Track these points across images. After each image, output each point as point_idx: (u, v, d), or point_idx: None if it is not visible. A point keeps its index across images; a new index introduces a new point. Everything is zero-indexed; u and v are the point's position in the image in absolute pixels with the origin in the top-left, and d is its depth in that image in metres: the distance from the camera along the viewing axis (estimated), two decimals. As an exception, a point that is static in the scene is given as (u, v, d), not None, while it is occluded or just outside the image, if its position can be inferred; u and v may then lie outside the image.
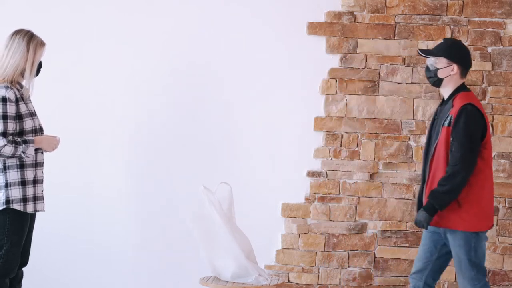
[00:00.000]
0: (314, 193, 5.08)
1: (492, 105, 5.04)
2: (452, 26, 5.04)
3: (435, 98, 5.04)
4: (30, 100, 4.08)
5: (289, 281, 5.08)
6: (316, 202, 5.08)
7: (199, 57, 5.09)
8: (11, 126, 3.87)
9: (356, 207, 5.08)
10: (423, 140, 5.04)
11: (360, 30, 5.05)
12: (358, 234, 5.08)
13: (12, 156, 3.87)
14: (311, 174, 5.07)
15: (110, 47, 5.08)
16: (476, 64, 5.03)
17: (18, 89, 3.97)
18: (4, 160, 3.92)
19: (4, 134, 3.84)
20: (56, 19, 5.09)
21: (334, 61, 5.07)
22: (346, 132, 5.07)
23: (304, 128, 5.07)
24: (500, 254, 5.05)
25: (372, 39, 5.06)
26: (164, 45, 5.09)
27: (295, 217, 5.08)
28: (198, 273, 4.59)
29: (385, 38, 5.06)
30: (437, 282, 5.04)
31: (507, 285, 5.06)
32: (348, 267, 5.09)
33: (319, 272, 5.09)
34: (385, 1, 5.05)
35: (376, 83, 5.07)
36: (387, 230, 5.07)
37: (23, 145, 3.88)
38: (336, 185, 5.07)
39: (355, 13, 5.06)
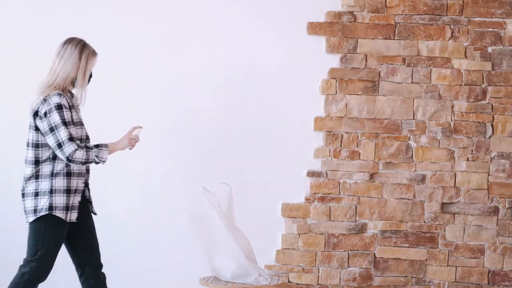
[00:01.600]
0: (314, 193, 5.08)
1: (492, 105, 5.04)
2: (452, 26, 5.04)
3: (435, 98, 5.04)
4: (79, 109, 4.06)
5: (289, 281, 5.08)
6: (316, 202, 5.08)
7: (199, 57, 5.09)
8: (74, 131, 3.87)
9: (356, 207, 5.08)
10: (423, 140, 5.05)
11: (360, 30, 5.05)
12: (358, 234, 5.08)
13: (86, 162, 3.87)
14: (311, 174, 5.07)
15: (106, 47, 5.08)
16: (476, 64, 5.03)
17: (69, 97, 3.96)
18: (52, 166, 3.90)
19: (71, 139, 3.84)
20: (56, 18, 5.09)
21: (334, 61, 5.07)
22: (346, 132, 5.07)
23: (304, 128, 5.07)
24: (500, 254, 5.05)
25: (372, 39, 5.06)
26: (163, 45, 5.08)
27: (295, 217, 5.08)
28: (198, 273, 4.59)
29: (385, 38, 5.06)
30: (437, 282, 5.06)
31: (507, 285, 5.06)
32: (348, 267, 5.08)
33: (319, 272, 5.09)
34: (385, 1, 5.05)
35: (376, 83, 5.07)
36: (387, 230, 5.07)
37: (95, 149, 3.89)
38: (336, 185, 5.07)
39: (355, 13, 5.06)
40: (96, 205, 5.08)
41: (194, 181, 4.78)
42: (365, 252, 5.08)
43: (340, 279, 5.08)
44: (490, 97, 5.05)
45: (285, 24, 5.07)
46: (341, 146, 5.07)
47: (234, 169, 5.08)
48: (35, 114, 3.89)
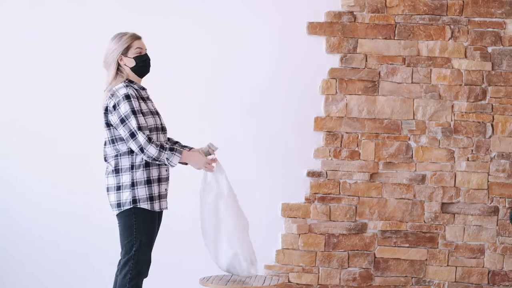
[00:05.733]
0: (314, 193, 5.08)
1: (492, 105, 5.05)
2: (452, 26, 5.04)
3: (435, 98, 5.05)
4: (150, 100, 4.04)
5: (289, 281, 5.08)
6: (316, 202, 5.08)
7: (199, 57, 5.09)
8: (142, 121, 3.85)
9: (356, 207, 5.08)
10: (423, 140, 5.05)
11: (360, 30, 5.06)
12: (358, 234, 5.08)
13: (156, 160, 3.84)
14: (311, 174, 5.07)
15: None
16: (476, 64, 5.03)
17: (136, 89, 3.95)
18: (131, 159, 3.90)
19: (140, 128, 3.81)
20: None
21: (334, 61, 5.07)
22: (346, 132, 5.07)
23: (304, 128, 5.07)
24: (500, 254, 5.05)
25: (372, 39, 5.06)
26: (161, 44, 5.08)
27: (295, 217, 5.08)
28: (198, 273, 4.59)
29: (385, 38, 5.06)
30: (437, 282, 5.06)
31: (507, 285, 5.06)
32: (348, 267, 5.09)
33: (319, 272, 5.09)
34: (385, 1, 5.05)
35: (376, 83, 5.07)
36: (387, 230, 5.07)
37: (169, 152, 3.85)
38: (336, 185, 5.07)
39: (355, 13, 5.06)
40: (95, 204, 5.10)
41: (193, 181, 4.78)
42: (365, 252, 5.08)
43: (340, 279, 5.08)
44: (490, 97, 5.05)
45: (285, 24, 5.07)
46: (341, 146, 5.07)
47: (234, 169, 5.07)
48: (106, 110, 3.89)
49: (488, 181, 5.05)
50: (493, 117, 5.05)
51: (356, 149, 5.07)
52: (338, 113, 5.07)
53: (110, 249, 4.81)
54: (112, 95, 3.88)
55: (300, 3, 5.07)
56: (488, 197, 5.05)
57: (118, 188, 3.90)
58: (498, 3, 5.03)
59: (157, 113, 4.04)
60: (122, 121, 3.84)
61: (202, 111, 5.10)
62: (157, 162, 3.88)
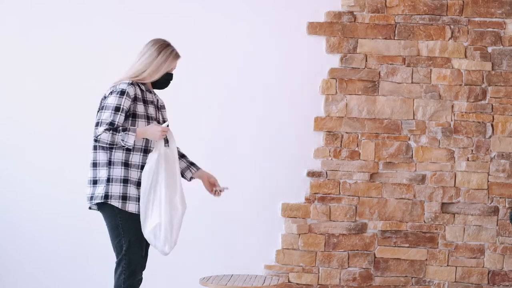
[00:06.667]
0: (314, 193, 5.08)
1: (492, 105, 5.05)
2: (452, 26, 5.04)
3: (435, 98, 5.05)
4: (155, 105, 3.99)
5: (289, 281, 5.08)
6: (316, 202, 5.08)
7: (198, 57, 5.09)
8: (121, 119, 3.81)
9: (356, 207, 5.08)
10: (423, 140, 5.05)
11: (360, 30, 5.06)
12: (358, 234, 5.08)
13: (112, 144, 3.79)
14: (311, 174, 5.07)
15: (105, 42, 5.08)
16: (476, 64, 5.03)
17: (142, 90, 3.92)
18: (109, 154, 3.86)
19: (112, 124, 3.78)
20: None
21: (334, 61, 5.07)
22: (346, 132, 5.07)
23: (304, 128, 5.07)
24: (500, 254, 5.05)
25: (372, 39, 5.06)
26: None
27: (295, 217, 5.08)
28: (198, 273, 4.59)
29: (385, 38, 5.06)
30: (437, 282, 5.06)
31: (507, 285, 5.06)
32: (348, 267, 5.09)
33: (319, 272, 5.09)
34: (385, 1, 5.05)
35: (376, 83, 5.07)
36: (387, 230, 5.07)
37: (122, 133, 3.78)
38: (336, 185, 5.07)
39: (355, 13, 5.06)
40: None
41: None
42: (365, 252, 5.08)
43: (340, 279, 5.08)
44: (490, 97, 5.05)
45: (285, 24, 5.07)
46: (341, 146, 5.07)
47: (234, 169, 5.08)
48: (103, 98, 3.89)
49: (488, 181, 5.05)
50: (493, 117, 5.05)
51: (356, 149, 5.07)
52: (338, 113, 5.07)
53: (110, 249, 4.80)
54: (113, 87, 3.88)
55: (300, 3, 5.07)
56: (488, 197, 5.05)
57: (95, 182, 3.88)
58: (498, 3, 5.03)
59: (158, 121, 4.00)
60: (102, 108, 3.84)
61: (201, 111, 5.10)
62: (117, 145, 3.81)
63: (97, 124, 3.82)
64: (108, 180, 3.85)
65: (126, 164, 3.87)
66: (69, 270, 5.15)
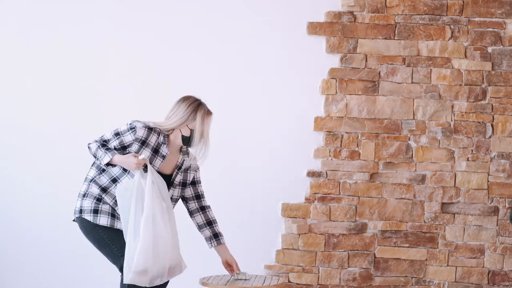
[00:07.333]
0: (314, 193, 5.08)
1: (492, 105, 5.05)
2: (452, 26, 5.04)
3: (435, 98, 5.05)
4: (182, 168, 3.97)
5: (289, 281, 5.08)
6: (316, 202, 5.08)
7: (198, 57, 5.09)
8: (113, 145, 3.85)
9: (356, 207, 5.08)
10: (423, 140, 5.05)
11: (360, 30, 5.06)
12: (358, 234, 5.08)
13: (94, 156, 3.87)
14: (311, 174, 5.07)
15: (105, 42, 5.08)
16: (476, 64, 5.03)
17: (158, 141, 3.87)
18: (95, 171, 3.91)
19: (105, 141, 3.85)
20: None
21: (334, 61, 5.07)
22: (346, 132, 5.07)
23: (304, 128, 5.07)
24: (500, 254, 5.05)
25: (372, 39, 5.06)
26: (160, 44, 5.09)
27: (295, 217, 5.08)
28: (198, 273, 4.59)
29: (385, 38, 5.06)
30: (437, 282, 5.06)
31: (507, 285, 5.06)
32: (348, 267, 5.09)
33: (319, 272, 5.09)
34: (385, 1, 5.05)
35: (376, 83, 5.07)
36: (387, 230, 5.07)
37: (104, 150, 3.82)
38: (336, 185, 5.07)
39: (355, 13, 5.06)
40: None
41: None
42: (365, 252, 5.08)
43: (340, 279, 5.08)
44: (490, 97, 5.05)
45: (285, 24, 5.07)
46: (341, 146, 5.07)
47: (234, 169, 5.08)
48: None
49: (488, 181, 5.05)
50: (493, 117, 5.05)
51: (356, 149, 5.07)
52: (338, 113, 5.07)
53: (110, 249, 4.82)
54: (135, 121, 3.88)
55: (300, 3, 5.07)
56: (488, 197, 5.05)
57: (79, 195, 3.94)
58: (498, 3, 5.03)
59: (172, 179, 3.93)
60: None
61: (202, 111, 5.10)
62: (96, 159, 3.87)
63: (100, 136, 3.90)
64: (84, 195, 3.90)
65: (104, 190, 3.88)
66: (69, 270, 5.15)
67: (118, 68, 5.11)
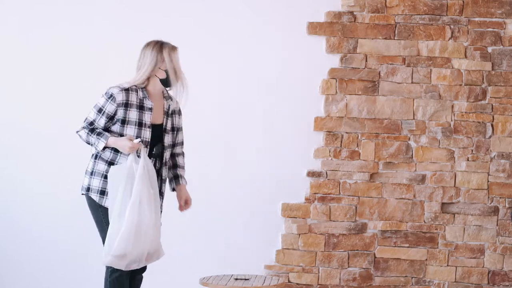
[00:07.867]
0: (314, 193, 5.08)
1: (492, 105, 5.05)
2: (452, 26, 5.04)
3: (435, 98, 5.05)
4: (172, 113, 4.06)
5: (289, 281, 5.08)
6: (316, 202, 5.08)
7: (198, 57, 5.09)
8: (102, 122, 3.89)
9: (356, 207, 5.08)
10: (423, 140, 5.05)
11: (360, 30, 5.06)
12: (358, 234, 5.08)
13: (87, 143, 3.92)
14: (311, 174, 5.07)
15: (105, 42, 5.08)
16: (476, 64, 5.03)
17: (141, 97, 3.93)
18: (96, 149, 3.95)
19: (91, 124, 3.90)
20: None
21: (334, 61, 5.07)
22: (346, 132, 5.07)
23: (304, 128, 5.07)
24: (500, 254, 5.05)
25: (372, 39, 5.06)
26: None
27: (295, 217, 5.08)
28: (198, 273, 4.59)
29: (385, 38, 5.06)
30: (437, 282, 5.06)
31: (507, 285, 5.06)
32: (348, 267, 5.09)
33: (319, 272, 5.09)
34: (385, 1, 5.05)
35: (376, 83, 5.07)
36: (387, 230, 5.07)
37: (96, 136, 3.88)
38: (336, 185, 5.07)
39: (355, 13, 5.06)
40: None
41: (193, 181, 4.78)
42: (365, 252, 5.08)
43: (340, 279, 5.08)
44: (490, 97, 5.05)
45: (285, 24, 5.07)
46: (341, 146, 5.07)
47: (234, 168, 5.08)
48: None
49: (488, 181, 5.05)
50: (493, 117, 5.05)
51: (356, 149, 5.07)
52: (338, 113, 5.07)
53: (110, 249, 4.82)
54: (110, 87, 3.93)
55: (300, 3, 5.07)
56: (488, 197, 5.05)
57: (86, 172, 3.98)
58: (498, 3, 5.03)
59: (150, 126, 3.96)
60: (94, 105, 3.93)
61: (201, 111, 5.10)
62: (91, 146, 3.91)
63: (84, 119, 3.95)
64: (92, 173, 3.94)
65: (111, 163, 3.91)
66: (69, 270, 5.15)
67: (118, 68, 5.11)
